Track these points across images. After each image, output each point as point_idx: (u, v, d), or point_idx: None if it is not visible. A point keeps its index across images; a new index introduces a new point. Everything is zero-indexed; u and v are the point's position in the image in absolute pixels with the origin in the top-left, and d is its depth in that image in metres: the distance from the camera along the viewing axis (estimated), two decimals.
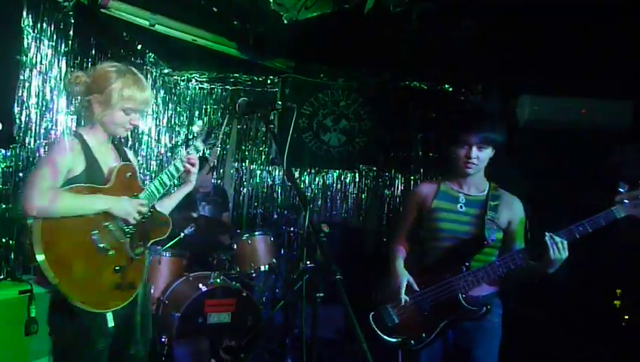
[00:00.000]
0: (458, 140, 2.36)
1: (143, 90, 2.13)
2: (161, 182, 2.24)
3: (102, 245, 2.00)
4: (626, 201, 2.15)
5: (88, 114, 2.13)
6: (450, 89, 5.56)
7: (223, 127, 2.70)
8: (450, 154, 2.42)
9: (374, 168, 5.70)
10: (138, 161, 5.15)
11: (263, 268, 4.10)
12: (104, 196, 2.04)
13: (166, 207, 2.38)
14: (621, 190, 2.18)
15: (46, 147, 3.74)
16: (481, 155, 2.35)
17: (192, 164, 2.33)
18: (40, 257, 1.85)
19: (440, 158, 5.50)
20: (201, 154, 2.44)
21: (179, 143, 5.78)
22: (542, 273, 2.25)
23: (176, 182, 2.35)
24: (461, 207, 2.44)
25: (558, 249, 2.15)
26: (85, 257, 1.97)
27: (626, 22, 3.72)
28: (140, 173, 2.37)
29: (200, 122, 2.43)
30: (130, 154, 2.35)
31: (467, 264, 2.33)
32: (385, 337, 2.44)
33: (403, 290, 2.38)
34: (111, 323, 2.01)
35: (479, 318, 2.31)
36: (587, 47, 4.07)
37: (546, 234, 2.18)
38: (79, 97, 2.14)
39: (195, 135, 2.42)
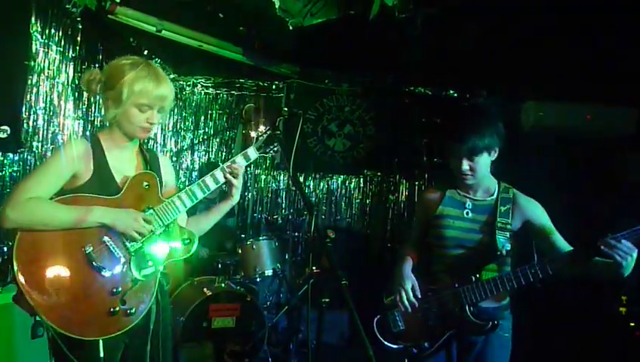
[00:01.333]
0: (450, 151, 2.23)
1: (158, 83, 1.89)
2: (189, 194, 1.97)
3: (95, 263, 1.77)
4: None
5: (105, 114, 1.92)
6: (455, 94, 5.56)
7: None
8: (450, 163, 2.28)
9: (379, 173, 5.70)
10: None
11: (267, 272, 4.11)
12: (99, 207, 1.80)
13: (200, 224, 2.13)
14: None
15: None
16: (475, 165, 2.19)
17: (235, 176, 2.03)
18: (15, 272, 1.66)
19: (445, 163, 5.49)
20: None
21: (184, 148, 5.81)
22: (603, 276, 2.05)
23: (211, 195, 2.09)
24: (467, 213, 2.29)
25: (625, 253, 1.90)
26: (72, 276, 1.74)
27: (632, 27, 3.71)
28: (179, 183, 2.18)
29: (262, 127, 2.13)
30: (164, 162, 2.13)
31: (477, 274, 2.19)
32: (385, 343, 2.37)
33: (409, 293, 2.28)
34: (101, 353, 1.77)
35: (485, 333, 2.20)
36: (592, 53, 4.07)
37: (604, 239, 1.93)
38: (95, 95, 1.98)
39: (258, 138, 2.12)
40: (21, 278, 1.67)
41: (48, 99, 3.67)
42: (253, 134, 2.14)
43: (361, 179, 5.76)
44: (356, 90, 5.64)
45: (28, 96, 3.47)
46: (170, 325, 2.09)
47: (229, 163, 2.04)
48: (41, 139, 3.64)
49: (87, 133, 3.98)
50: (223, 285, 3.85)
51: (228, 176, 2.02)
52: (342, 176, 5.79)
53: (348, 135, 5.65)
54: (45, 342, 3.06)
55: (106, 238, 1.81)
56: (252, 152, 2.08)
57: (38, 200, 1.75)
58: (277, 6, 3.91)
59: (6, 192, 3.37)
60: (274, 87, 5.70)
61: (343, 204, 5.77)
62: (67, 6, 3.66)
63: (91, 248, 1.78)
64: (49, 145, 3.70)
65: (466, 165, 2.19)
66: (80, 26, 3.87)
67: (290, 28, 4.13)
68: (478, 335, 2.22)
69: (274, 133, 2.08)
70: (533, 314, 4.05)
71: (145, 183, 1.92)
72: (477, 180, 2.26)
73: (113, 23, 3.99)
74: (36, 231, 1.72)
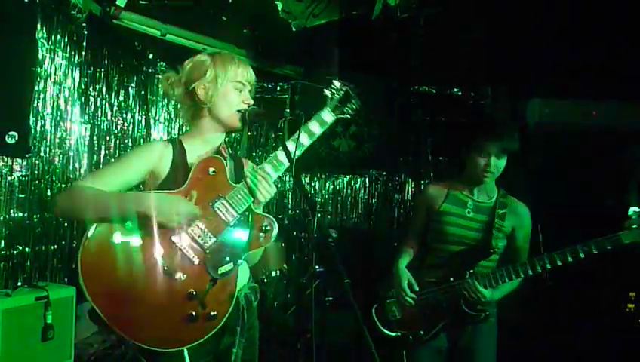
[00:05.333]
0: (479, 148, 2.36)
1: (247, 66, 1.85)
2: (263, 174, 1.78)
3: (167, 267, 1.63)
4: (635, 227, 2.18)
5: (193, 110, 1.84)
6: (460, 93, 5.55)
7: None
8: (469, 161, 2.42)
9: (384, 173, 5.70)
10: None
11: (274, 273, 4.12)
12: (145, 194, 1.64)
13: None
14: (632, 215, 2.21)
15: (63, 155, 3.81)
16: (499, 164, 2.36)
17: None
18: (84, 289, 1.54)
19: (450, 162, 5.49)
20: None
21: None
22: None
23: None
24: (469, 212, 2.46)
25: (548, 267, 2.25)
26: (145, 284, 1.61)
27: (636, 23, 3.70)
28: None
29: (337, 83, 1.92)
30: (248, 166, 1.98)
31: (472, 270, 2.36)
32: (385, 330, 2.52)
33: (407, 290, 2.46)
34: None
35: (478, 323, 2.38)
36: (598, 49, 4.05)
37: (545, 255, 2.26)
38: (179, 98, 1.86)
39: (332, 97, 1.91)
40: (91, 294, 1.55)
41: (55, 104, 3.70)
42: (326, 92, 1.90)
43: (367, 179, 5.76)
44: (360, 90, 5.63)
45: (35, 102, 3.51)
46: (255, 345, 1.94)
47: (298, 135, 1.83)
48: (48, 143, 3.68)
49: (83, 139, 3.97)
50: None
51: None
52: (347, 176, 5.79)
53: (353, 135, 5.65)
54: (55, 344, 3.11)
55: (175, 239, 1.66)
56: (327, 115, 1.90)
57: (86, 186, 1.62)
58: (280, 8, 3.93)
59: (15, 197, 3.41)
60: (278, 88, 5.72)
61: (348, 203, 5.77)
62: (72, 12, 3.70)
63: (161, 251, 1.63)
64: (56, 149, 3.75)
65: (494, 162, 2.33)
66: (85, 32, 3.91)
67: (294, 29, 4.16)
68: (472, 324, 2.40)
69: (351, 88, 1.92)
70: (541, 312, 4.05)
71: (211, 170, 1.75)
72: (491, 180, 2.42)
73: (118, 28, 4.03)
74: (101, 236, 1.58)
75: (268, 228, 1.81)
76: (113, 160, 1.66)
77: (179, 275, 1.65)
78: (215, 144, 1.89)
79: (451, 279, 2.40)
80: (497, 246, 2.38)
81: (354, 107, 1.95)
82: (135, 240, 1.62)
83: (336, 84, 1.91)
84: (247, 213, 1.78)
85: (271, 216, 1.84)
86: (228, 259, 1.73)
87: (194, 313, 1.65)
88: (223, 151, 1.88)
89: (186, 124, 1.92)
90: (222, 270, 1.71)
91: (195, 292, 1.66)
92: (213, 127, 1.86)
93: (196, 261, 1.68)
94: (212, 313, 1.68)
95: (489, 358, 2.45)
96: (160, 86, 1.90)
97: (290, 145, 1.78)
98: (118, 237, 1.60)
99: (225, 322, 1.74)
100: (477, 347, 2.42)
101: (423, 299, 2.47)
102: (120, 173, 1.71)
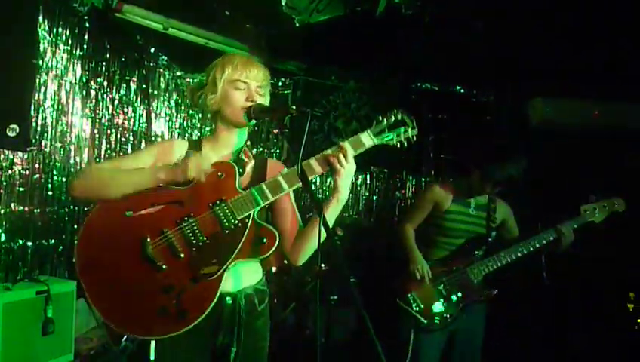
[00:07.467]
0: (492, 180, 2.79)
1: (247, 61, 1.85)
2: (271, 186, 1.76)
3: (150, 256, 1.63)
4: (587, 211, 2.84)
5: (206, 112, 1.93)
6: (462, 91, 5.54)
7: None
8: (480, 178, 2.80)
9: (385, 170, 5.68)
10: None
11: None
12: (159, 167, 1.72)
13: (307, 235, 1.89)
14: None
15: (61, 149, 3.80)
16: None
17: (341, 164, 1.77)
18: (75, 260, 1.65)
19: (452, 160, 5.49)
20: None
21: None
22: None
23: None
24: (472, 210, 2.87)
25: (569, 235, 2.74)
26: (125, 267, 1.64)
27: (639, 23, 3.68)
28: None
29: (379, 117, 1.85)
30: (272, 165, 1.99)
31: (475, 256, 2.80)
32: (419, 317, 2.77)
33: (428, 278, 2.77)
34: (152, 356, 1.69)
35: (492, 298, 2.80)
36: (600, 49, 4.04)
37: (558, 227, 2.77)
38: (196, 104, 1.94)
39: (378, 121, 1.88)
40: (80, 267, 1.65)
41: (56, 97, 3.69)
42: (379, 117, 1.79)
43: (368, 176, 5.74)
44: (363, 87, 5.62)
45: (36, 95, 3.49)
46: (261, 351, 1.92)
47: (332, 149, 1.81)
48: (49, 137, 3.66)
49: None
50: None
51: (332, 159, 1.79)
52: None
53: (354, 132, 5.62)
54: (55, 338, 3.10)
55: (166, 230, 1.67)
56: (366, 139, 1.85)
57: (102, 167, 1.74)
58: (283, 3, 3.91)
59: (15, 190, 3.40)
60: (280, 84, 5.70)
61: (349, 200, 5.75)
62: (74, 5, 3.68)
63: (149, 238, 1.64)
64: (57, 143, 3.73)
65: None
66: (87, 25, 3.89)
67: (297, 25, 4.13)
68: (485, 301, 2.83)
69: (400, 113, 1.87)
70: (541, 312, 4.06)
71: (219, 173, 1.75)
72: None
73: (120, 21, 4.00)
74: (97, 218, 1.67)
75: (265, 241, 1.76)
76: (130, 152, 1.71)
77: (160, 266, 1.65)
78: (232, 144, 1.92)
79: (461, 266, 2.81)
80: (492, 236, 2.85)
81: (405, 136, 1.92)
82: (126, 222, 1.66)
83: (379, 118, 1.85)
84: (247, 221, 1.74)
85: (275, 231, 1.78)
86: (214, 261, 1.68)
87: (165, 307, 1.62)
88: (244, 155, 1.90)
89: (210, 127, 1.98)
90: (204, 271, 1.66)
91: (172, 287, 1.64)
92: (225, 127, 1.91)
93: (182, 256, 1.67)
94: (184, 314, 1.63)
95: (481, 330, 2.91)
96: (189, 98, 1.96)
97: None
98: (112, 218, 1.67)
99: (218, 322, 1.75)
100: (475, 320, 2.87)
101: (441, 287, 2.82)
102: (136, 161, 1.78)
